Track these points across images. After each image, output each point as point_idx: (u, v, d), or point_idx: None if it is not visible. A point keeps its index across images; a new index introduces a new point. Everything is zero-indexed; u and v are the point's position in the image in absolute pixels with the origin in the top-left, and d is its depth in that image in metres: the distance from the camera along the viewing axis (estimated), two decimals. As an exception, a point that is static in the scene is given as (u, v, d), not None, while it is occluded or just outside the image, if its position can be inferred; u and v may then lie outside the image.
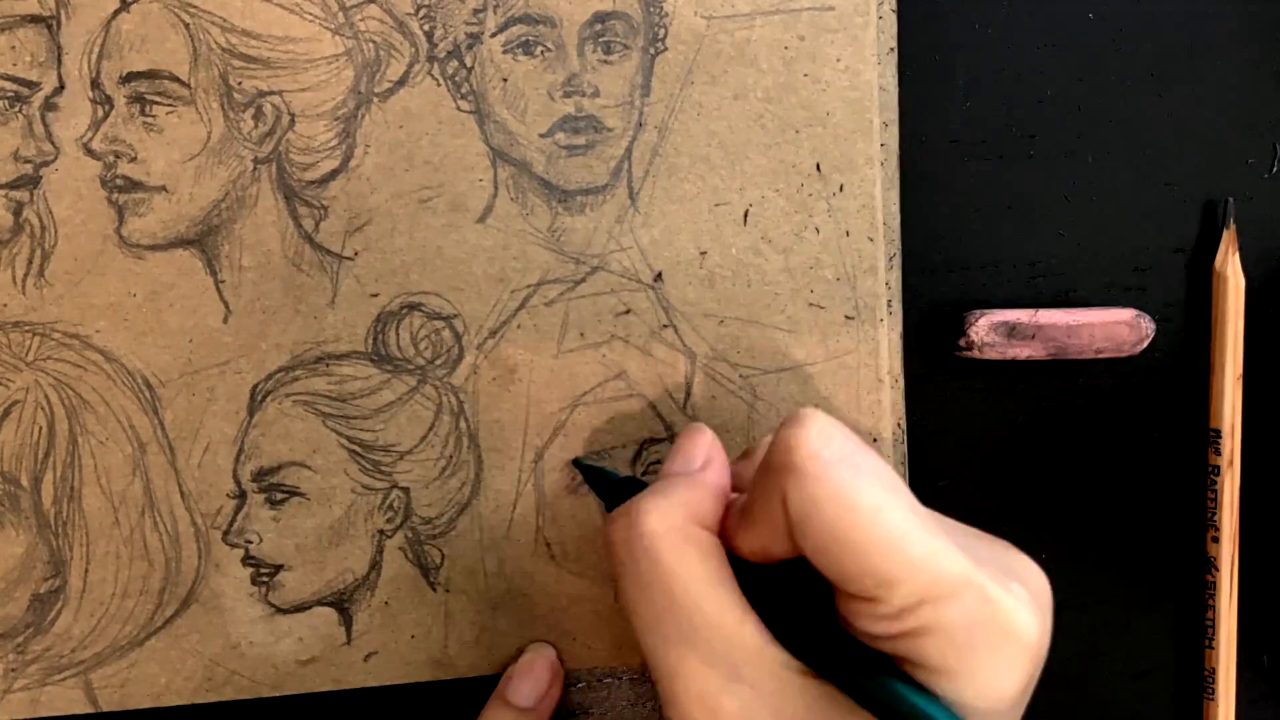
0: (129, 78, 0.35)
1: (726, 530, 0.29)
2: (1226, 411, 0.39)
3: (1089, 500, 0.40)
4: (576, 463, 0.36)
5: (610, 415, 0.37)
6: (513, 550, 0.37)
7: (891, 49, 0.37)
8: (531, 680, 0.36)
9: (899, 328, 0.38)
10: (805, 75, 0.36)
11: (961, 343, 0.38)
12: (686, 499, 0.29)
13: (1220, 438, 0.39)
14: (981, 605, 0.26)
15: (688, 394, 0.37)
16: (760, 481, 0.28)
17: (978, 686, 0.26)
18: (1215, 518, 0.40)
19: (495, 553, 0.37)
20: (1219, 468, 0.40)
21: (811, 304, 0.37)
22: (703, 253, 0.37)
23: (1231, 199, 0.40)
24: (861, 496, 0.26)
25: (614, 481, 0.34)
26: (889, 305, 0.37)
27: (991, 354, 0.38)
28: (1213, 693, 0.40)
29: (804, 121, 0.37)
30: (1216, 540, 0.40)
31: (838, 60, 0.37)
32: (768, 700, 0.27)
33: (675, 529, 0.28)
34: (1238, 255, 0.39)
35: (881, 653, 0.26)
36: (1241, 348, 0.40)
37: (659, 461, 0.37)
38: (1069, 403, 0.40)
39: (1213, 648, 0.40)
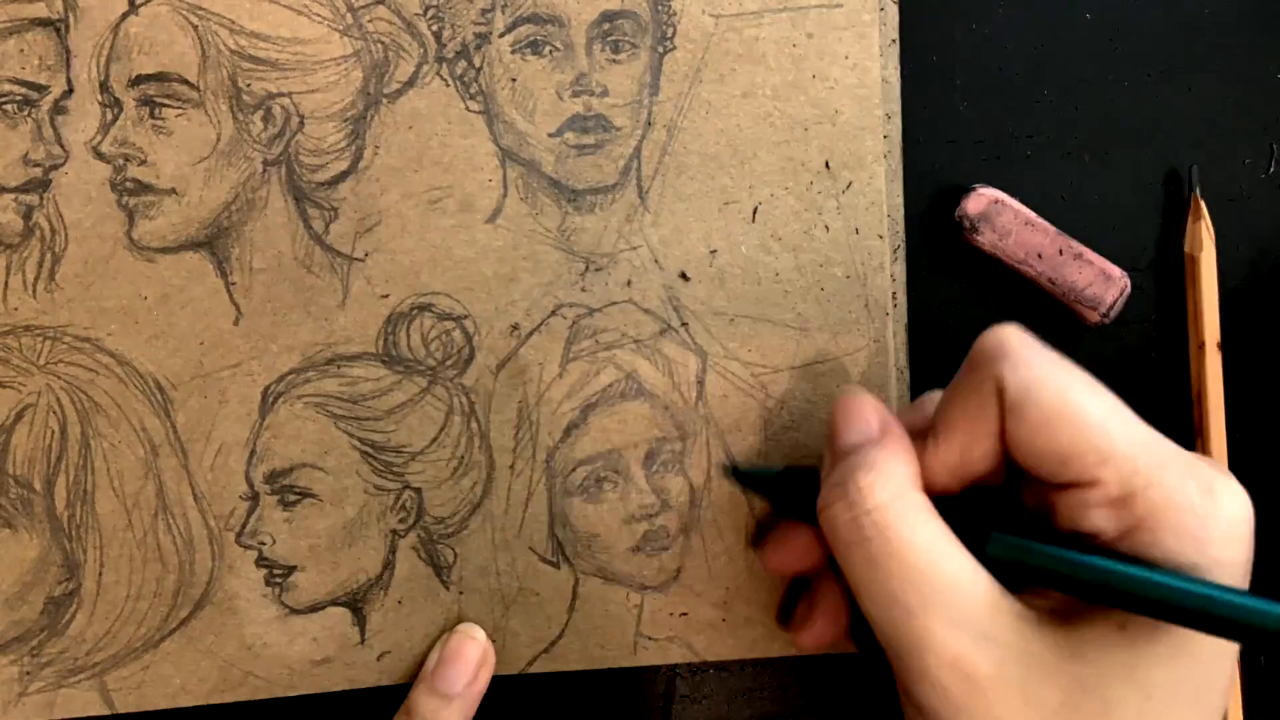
0: (138, 80, 0.35)
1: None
2: (1210, 385, 0.39)
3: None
4: (734, 472, 0.37)
5: (622, 415, 0.37)
6: (525, 549, 0.37)
7: (893, 40, 0.37)
8: (459, 665, 0.36)
9: (904, 319, 0.38)
10: (813, 74, 0.36)
11: (959, 215, 0.38)
12: (894, 466, 0.29)
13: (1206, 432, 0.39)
14: (1205, 492, 0.26)
15: (699, 393, 0.37)
16: (961, 384, 0.29)
17: (1217, 578, 0.26)
18: None
19: (507, 552, 0.37)
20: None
21: (822, 302, 0.37)
22: (713, 251, 0.37)
23: (1196, 166, 0.40)
24: (1075, 379, 0.28)
25: (775, 476, 0.35)
26: (894, 298, 0.37)
27: (987, 233, 0.37)
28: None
29: (813, 119, 0.37)
30: None
31: (846, 57, 0.37)
32: (1016, 654, 0.27)
33: (896, 498, 0.28)
34: (1211, 238, 0.39)
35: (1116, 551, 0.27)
36: (1217, 322, 0.39)
37: (669, 460, 0.37)
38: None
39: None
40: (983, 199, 0.37)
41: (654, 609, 0.37)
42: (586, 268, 0.36)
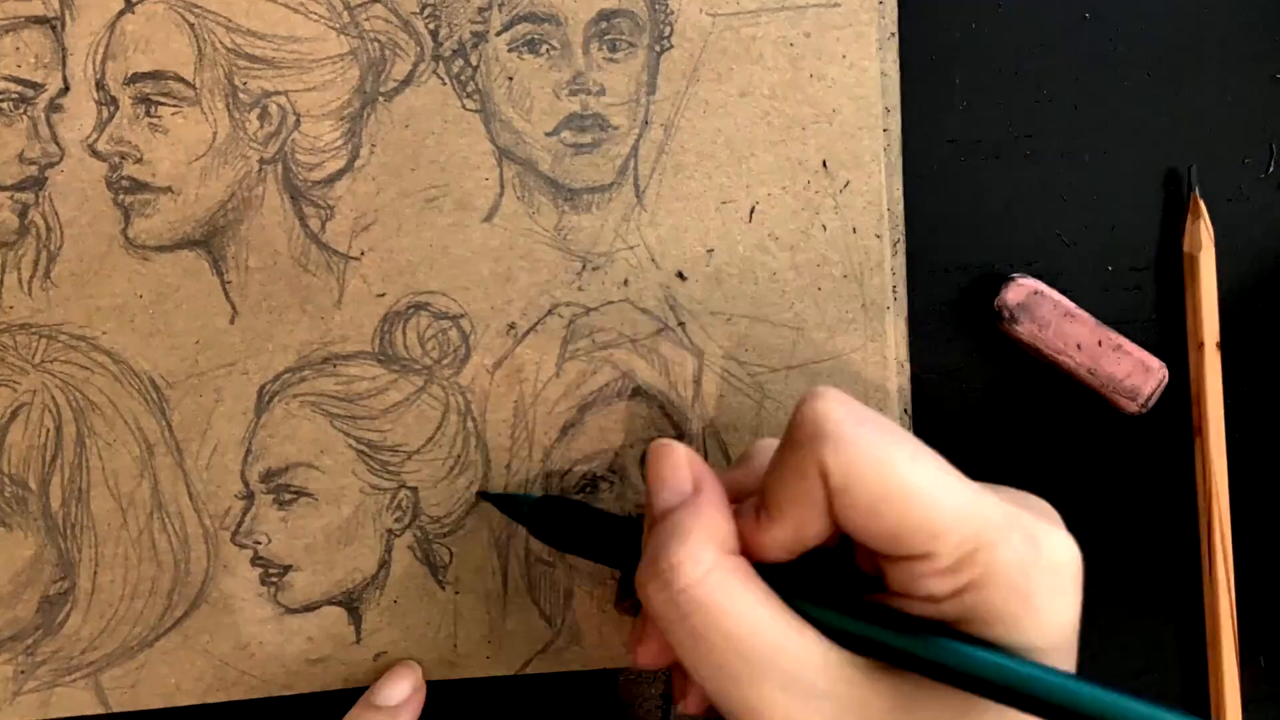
0: (134, 79, 0.35)
1: (744, 539, 0.29)
2: (1209, 385, 0.39)
3: (1084, 501, 0.40)
4: (483, 495, 0.36)
5: (618, 414, 0.37)
6: (521, 549, 0.37)
7: (892, 34, 0.37)
8: (393, 684, 0.36)
9: (904, 312, 0.38)
10: (811, 73, 0.36)
11: (998, 305, 0.38)
12: (706, 532, 0.28)
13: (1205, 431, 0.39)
14: (1029, 544, 0.26)
15: (696, 393, 0.37)
16: (785, 464, 0.27)
17: (1042, 627, 0.26)
18: (1210, 521, 0.39)
19: (504, 551, 0.37)
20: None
21: (819, 301, 0.37)
22: (710, 251, 0.37)
23: (1195, 166, 0.39)
24: (898, 453, 0.26)
25: (534, 503, 0.34)
26: (894, 291, 0.37)
27: (1026, 324, 0.37)
28: (1214, 693, 0.40)
29: (810, 118, 0.37)
30: (1211, 542, 0.40)
31: (843, 56, 0.36)
32: (850, 706, 0.27)
33: (710, 569, 0.27)
34: (1210, 237, 0.39)
35: (937, 621, 0.27)
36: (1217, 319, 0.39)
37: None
38: (1063, 404, 0.40)
39: (1212, 648, 0.40)
40: (1022, 289, 0.37)
41: (650, 609, 0.37)
42: (583, 267, 0.36)
